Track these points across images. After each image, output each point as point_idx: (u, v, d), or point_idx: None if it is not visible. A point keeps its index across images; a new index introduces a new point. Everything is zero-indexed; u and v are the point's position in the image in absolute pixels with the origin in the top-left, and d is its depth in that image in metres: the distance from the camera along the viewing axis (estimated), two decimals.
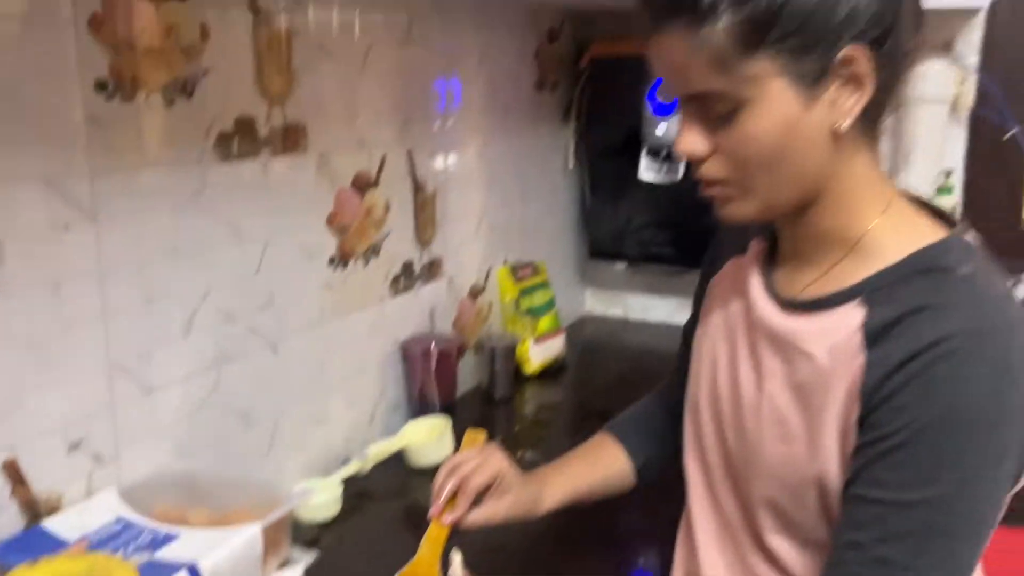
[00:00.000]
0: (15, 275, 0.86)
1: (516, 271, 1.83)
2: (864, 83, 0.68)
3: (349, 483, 1.31)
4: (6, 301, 0.85)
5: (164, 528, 0.91)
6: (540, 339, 1.82)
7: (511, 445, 1.33)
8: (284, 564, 0.98)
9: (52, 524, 0.89)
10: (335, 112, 1.28)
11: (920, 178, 1.86)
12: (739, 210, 0.75)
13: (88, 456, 0.96)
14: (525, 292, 1.83)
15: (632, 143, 1.88)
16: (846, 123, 0.69)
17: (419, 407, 1.50)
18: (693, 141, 0.73)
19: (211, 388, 1.12)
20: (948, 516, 0.66)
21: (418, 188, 1.50)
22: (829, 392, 0.72)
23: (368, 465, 1.34)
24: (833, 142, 0.71)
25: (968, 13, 1.82)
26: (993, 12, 1.82)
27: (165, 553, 0.86)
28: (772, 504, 0.79)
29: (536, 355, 1.80)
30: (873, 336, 0.69)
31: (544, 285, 1.89)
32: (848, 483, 0.71)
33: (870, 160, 0.75)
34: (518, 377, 1.76)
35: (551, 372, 1.83)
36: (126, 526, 0.91)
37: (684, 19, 0.67)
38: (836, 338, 0.72)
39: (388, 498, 1.32)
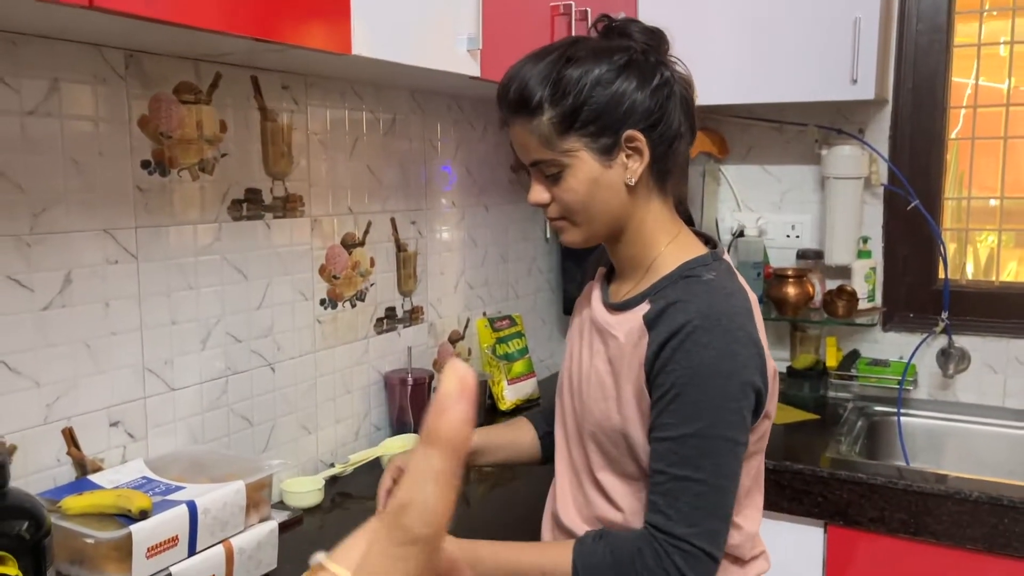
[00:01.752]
0: (79, 294, 1.22)
1: (494, 322, 2.16)
2: (643, 154, 1.02)
3: (333, 483, 1.62)
4: (72, 311, 1.21)
5: (175, 483, 1.23)
6: (514, 380, 2.13)
7: (482, 469, 1.65)
8: (264, 520, 1.28)
9: (95, 478, 1.22)
10: (327, 187, 1.65)
11: (841, 244, 2.15)
12: (572, 236, 1.08)
13: (124, 433, 1.30)
14: (501, 340, 2.15)
15: None
16: (633, 180, 1.03)
17: (398, 428, 1.81)
18: (539, 193, 1.07)
19: (220, 392, 1.45)
20: (713, 439, 0.96)
21: (400, 248, 1.85)
22: (628, 363, 1.03)
23: (349, 468, 1.66)
24: (628, 193, 1.04)
25: (878, 104, 2.14)
26: (897, 103, 2.14)
27: (174, 496, 1.18)
28: (599, 446, 1.08)
29: (510, 394, 2.10)
30: (650, 323, 1.01)
31: (519, 334, 2.21)
32: (649, 432, 1.01)
33: (661, 207, 1.08)
34: (496, 412, 2.06)
35: (524, 409, 2.12)
36: (148, 481, 1.24)
37: (522, 115, 1.04)
38: (631, 326, 1.03)
39: (365, 497, 1.62)
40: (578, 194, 1.03)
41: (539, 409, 1.37)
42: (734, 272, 1.06)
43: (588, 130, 1.01)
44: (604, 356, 1.07)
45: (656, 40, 1.05)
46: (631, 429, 1.03)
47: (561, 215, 1.06)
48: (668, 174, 1.07)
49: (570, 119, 1.01)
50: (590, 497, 1.10)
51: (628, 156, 1.02)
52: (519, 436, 1.31)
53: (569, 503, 1.13)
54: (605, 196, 1.03)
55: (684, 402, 0.96)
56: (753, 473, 1.08)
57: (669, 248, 1.07)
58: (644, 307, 1.03)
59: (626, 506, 1.07)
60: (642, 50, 1.03)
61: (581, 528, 1.11)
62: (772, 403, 1.05)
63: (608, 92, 1.00)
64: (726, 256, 1.08)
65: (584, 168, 1.02)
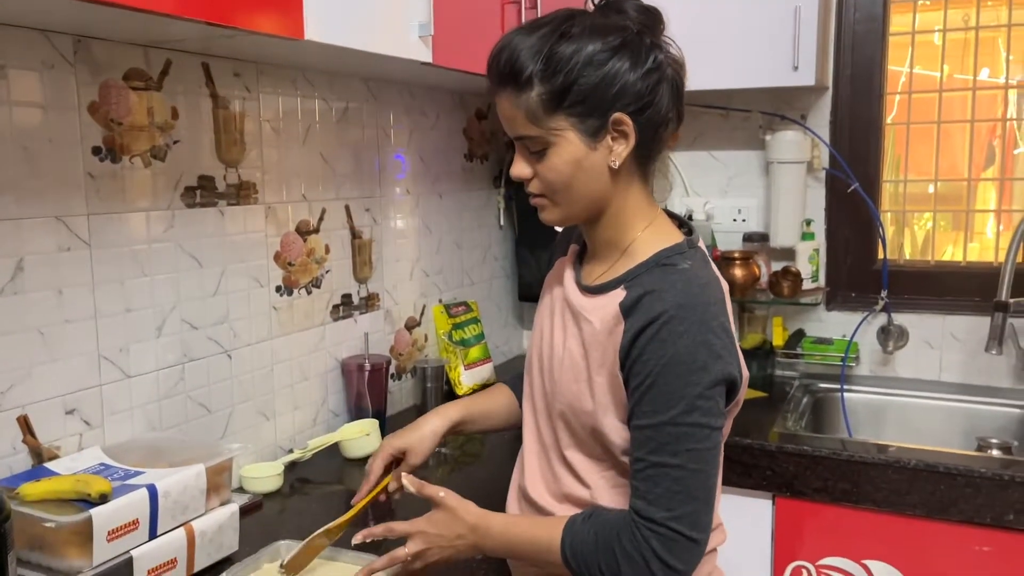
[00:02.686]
0: (31, 281, 1.21)
1: (450, 308, 2.18)
2: (629, 137, 1.02)
3: (292, 469, 1.63)
4: (24, 298, 1.21)
5: (135, 468, 1.24)
6: (470, 365, 2.15)
7: (441, 453, 1.68)
8: (224, 503, 1.29)
9: (51, 465, 1.22)
10: (281, 174, 1.65)
11: (786, 226, 2.21)
12: (550, 216, 1.08)
13: (80, 421, 1.30)
14: (457, 326, 2.18)
15: None
16: (617, 163, 1.03)
17: (356, 413, 1.83)
18: (521, 168, 1.06)
19: (177, 379, 1.46)
20: (688, 425, 0.97)
21: (355, 235, 1.86)
22: (602, 349, 1.04)
23: (308, 454, 1.67)
24: (610, 175, 1.04)
25: (819, 91, 2.21)
26: (836, 90, 2.21)
27: (133, 481, 1.19)
28: (567, 425, 1.10)
29: (467, 379, 2.13)
30: (626, 311, 1.01)
31: (475, 320, 2.23)
32: (628, 420, 1.02)
33: (641, 191, 1.08)
34: (453, 397, 2.09)
35: None
36: (107, 467, 1.23)
37: (510, 87, 1.02)
38: (606, 312, 1.04)
39: (324, 482, 1.63)
40: (561, 174, 1.03)
41: (515, 376, 1.35)
42: (708, 260, 1.08)
43: (576, 110, 1.00)
44: (578, 339, 1.07)
45: (652, 19, 1.04)
46: (601, 415, 1.04)
47: (542, 192, 1.06)
48: (650, 159, 1.07)
49: (559, 97, 0.99)
50: (558, 473, 1.12)
51: (614, 139, 1.02)
52: (500, 405, 1.32)
53: (537, 478, 1.15)
54: (587, 178, 1.03)
55: (659, 391, 0.97)
56: None
57: (646, 233, 1.07)
58: (620, 293, 1.03)
59: (592, 483, 1.09)
60: (637, 30, 1.02)
61: (548, 502, 1.13)
62: (744, 388, 1.07)
63: (600, 73, 0.98)
64: (701, 244, 1.09)
65: (569, 148, 1.01)
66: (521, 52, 1.00)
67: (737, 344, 1.03)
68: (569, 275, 1.14)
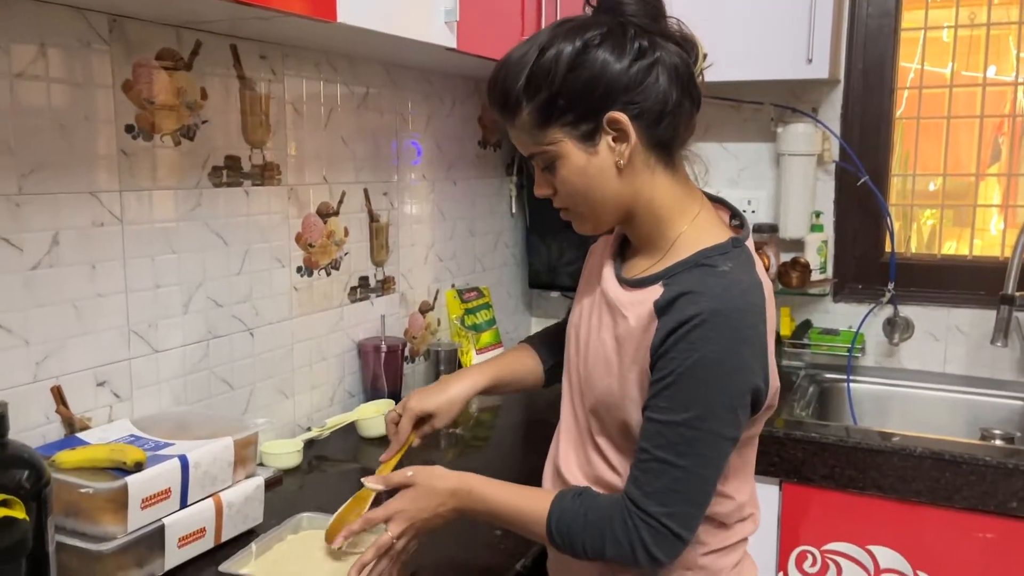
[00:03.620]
0: (66, 255, 1.24)
1: (463, 293, 2.21)
2: (629, 134, 1.00)
3: (310, 446, 1.66)
4: (60, 271, 1.23)
5: (164, 439, 1.26)
6: (482, 350, 2.18)
7: (453, 436, 1.70)
8: (250, 476, 1.32)
9: (83, 435, 1.25)
10: (303, 156, 1.68)
11: (795, 218, 2.24)
12: (582, 227, 1.08)
13: (110, 393, 1.32)
14: (470, 311, 2.21)
15: None
16: (623, 162, 1.01)
17: (372, 394, 1.86)
18: (542, 186, 1.06)
19: (202, 355, 1.48)
20: (700, 431, 0.97)
21: (373, 219, 1.89)
22: (635, 346, 1.03)
23: (326, 432, 1.70)
24: (624, 174, 1.02)
25: (831, 84, 2.24)
26: (848, 83, 2.24)
27: (165, 452, 1.21)
28: (597, 415, 1.10)
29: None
30: (660, 310, 1.00)
31: (487, 306, 2.26)
32: (643, 410, 1.02)
33: (671, 182, 1.05)
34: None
35: None
36: (137, 437, 1.26)
37: (506, 114, 1.03)
38: (642, 309, 1.03)
39: (341, 460, 1.66)
40: (573, 184, 1.02)
41: (540, 336, 1.35)
42: (753, 261, 1.03)
43: (567, 119, 0.99)
44: (612, 333, 1.07)
45: (650, 9, 1.02)
46: (632, 409, 1.04)
47: (565, 206, 1.06)
48: (669, 148, 1.04)
49: (547, 111, 0.99)
50: (590, 457, 1.12)
51: (614, 139, 1.00)
52: (526, 369, 1.31)
53: (571, 459, 1.15)
54: (599, 183, 1.02)
55: (679, 390, 0.97)
56: (746, 453, 1.10)
57: (692, 227, 1.05)
58: (657, 290, 1.02)
59: (623, 470, 1.09)
60: (621, 23, 0.99)
61: (581, 483, 1.13)
62: (776, 395, 1.06)
63: (582, 76, 0.97)
64: (749, 241, 1.06)
65: (571, 158, 1.01)
66: (507, 76, 1.01)
67: (771, 352, 1.02)
68: (609, 266, 1.12)
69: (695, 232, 1.04)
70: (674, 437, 0.97)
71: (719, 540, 1.09)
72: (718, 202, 1.12)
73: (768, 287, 1.03)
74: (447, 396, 1.23)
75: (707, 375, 0.95)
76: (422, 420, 1.23)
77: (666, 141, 1.02)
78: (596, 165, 1.01)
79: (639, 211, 1.05)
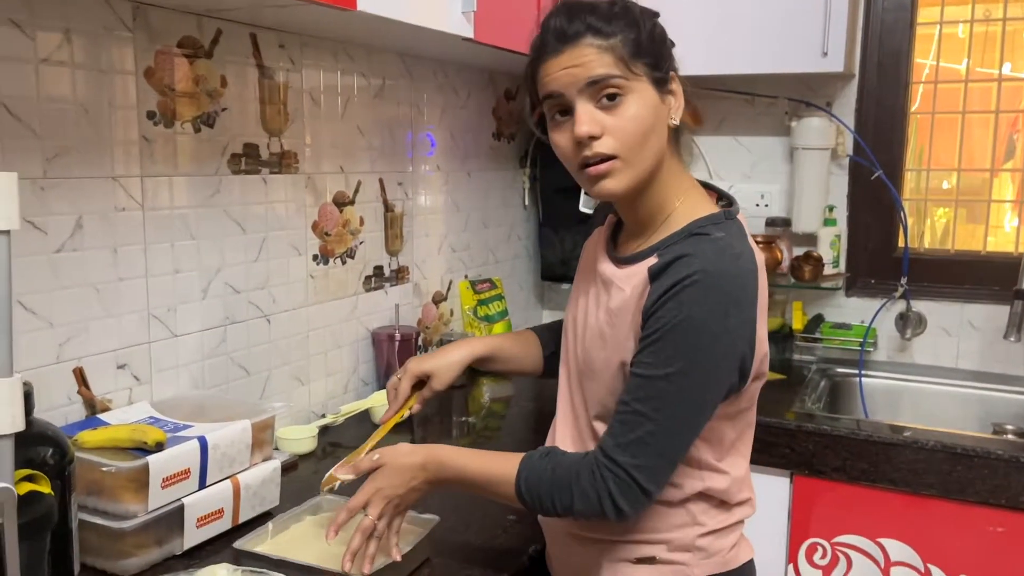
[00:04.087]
0: (89, 239, 1.26)
1: (475, 284, 2.22)
2: (679, 96, 1.06)
3: (325, 433, 1.68)
4: (83, 255, 1.25)
5: (183, 422, 1.28)
6: None
7: (466, 424, 1.70)
8: (267, 459, 1.34)
9: (104, 417, 1.27)
10: (320, 145, 1.69)
11: (808, 212, 2.25)
12: (617, 182, 1.03)
13: (130, 376, 1.34)
14: (482, 302, 2.22)
15: (577, 186, 2.27)
16: (676, 120, 1.06)
17: (385, 382, 1.86)
18: (591, 124, 1.00)
19: (220, 341, 1.50)
20: (680, 387, 0.99)
21: (388, 208, 1.90)
22: (631, 313, 1.06)
23: (340, 419, 1.71)
24: (667, 135, 1.06)
25: (845, 78, 2.24)
26: (863, 78, 2.24)
27: (184, 433, 1.23)
28: (595, 394, 1.12)
29: None
30: (654, 275, 1.03)
31: (500, 297, 2.27)
32: (630, 366, 1.04)
33: (676, 163, 1.10)
34: (476, 372, 2.12)
35: None
36: (157, 419, 1.28)
37: (594, 32, 1.02)
38: (637, 279, 1.06)
39: (355, 447, 1.66)
40: (639, 123, 1.02)
41: (547, 325, 1.38)
42: (745, 233, 1.07)
43: (650, 60, 1.03)
44: (606, 307, 1.10)
45: None
46: (626, 377, 1.06)
47: (613, 152, 1.02)
48: (679, 131, 1.10)
49: (638, 45, 1.03)
50: (585, 440, 1.15)
51: (671, 95, 1.06)
52: (527, 352, 1.34)
53: (568, 442, 1.18)
54: (658, 132, 1.04)
55: (664, 346, 0.99)
56: (741, 426, 1.12)
57: (682, 204, 1.09)
58: (651, 260, 1.05)
59: None
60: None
61: None
62: (765, 363, 1.08)
63: (661, 34, 1.06)
64: (740, 217, 1.09)
65: (647, 95, 1.03)
66: (599, 5, 1.04)
67: (763, 319, 1.04)
68: (603, 249, 1.17)
69: (687, 208, 1.08)
70: (653, 391, 0.99)
71: (717, 521, 1.12)
72: (706, 186, 1.16)
73: (760, 257, 1.06)
74: (445, 359, 1.27)
75: (692, 333, 0.98)
76: (421, 384, 1.27)
77: (679, 125, 1.08)
78: (660, 113, 1.04)
79: (654, 182, 1.07)
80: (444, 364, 1.26)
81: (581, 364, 1.16)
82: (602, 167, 1.02)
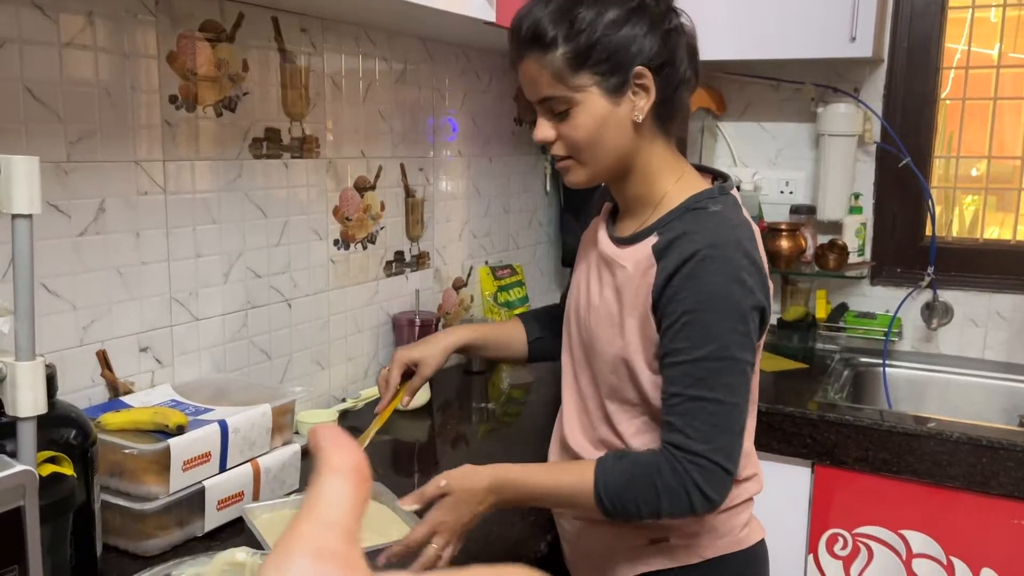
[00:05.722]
0: (112, 223, 1.27)
1: (496, 271, 2.22)
2: (650, 91, 1.05)
3: (345, 417, 1.69)
4: (106, 238, 1.26)
5: (204, 405, 1.29)
6: None
7: (485, 411, 1.71)
8: (287, 443, 1.35)
9: (127, 399, 1.28)
10: (341, 130, 1.69)
11: (834, 199, 2.22)
12: (577, 176, 1.10)
13: (152, 359, 1.35)
14: (503, 288, 2.21)
15: None
16: (640, 117, 1.05)
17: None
18: (545, 131, 1.08)
19: (241, 324, 1.51)
20: (724, 360, 1.01)
21: (409, 194, 1.90)
22: (634, 291, 1.07)
23: (360, 404, 1.72)
24: (634, 130, 1.07)
25: (874, 63, 2.20)
26: (892, 63, 2.20)
27: (205, 417, 1.24)
28: (602, 374, 1.13)
29: None
30: (659, 253, 1.04)
31: (520, 283, 2.27)
32: (661, 359, 1.05)
33: (665, 148, 1.11)
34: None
35: None
36: (179, 403, 1.29)
37: (535, 50, 1.05)
38: (639, 256, 1.07)
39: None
40: (587, 130, 1.05)
41: (533, 312, 1.41)
42: (739, 205, 1.10)
43: (600, 68, 1.03)
44: (612, 286, 1.11)
45: None
46: (633, 355, 1.08)
47: (567, 154, 1.08)
48: (671, 118, 1.10)
49: (583, 56, 1.03)
50: (594, 422, 1.16)
51: (635, 93, 1.05)
52: (512, 337, 1.36)
53: (576, 427, 1.19)
54: (613, 134, 1.06)
55: (696, 327, 1.01)
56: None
57: (676, 186, 1.10)
58: (653, 239, 1.07)
59: (625, 430, 1.12)
60: None
61: (587, 450, 1.16)
62: (768, 322, 1.11)
63: (620, 34, 1.02)
64: (734, 191, 1.12)
65: (594, 105, 1.04)
66: (543, 17, 1.03)
67: (767, 277, 1.06)
68: (603, 231, 1.17)
69: (680, 188, 1.10)
70: (701, 372, 1.01)
71: (728, 499, 1.10)
72: (703, 170, 1.17)
73: (756, 229, 1.08)
74: (431, 347, 1.28)
75: (718, 306, 1.00)
76: (410, 373, 1.28)
77: (671, 112, 1.09)
78: (616, 116, 1.05)
79: (636, 170, 1.10)
80: (430, 352, 1.27)
81: (586, 346, 1.16)
82: (562, 164, 1.11)
